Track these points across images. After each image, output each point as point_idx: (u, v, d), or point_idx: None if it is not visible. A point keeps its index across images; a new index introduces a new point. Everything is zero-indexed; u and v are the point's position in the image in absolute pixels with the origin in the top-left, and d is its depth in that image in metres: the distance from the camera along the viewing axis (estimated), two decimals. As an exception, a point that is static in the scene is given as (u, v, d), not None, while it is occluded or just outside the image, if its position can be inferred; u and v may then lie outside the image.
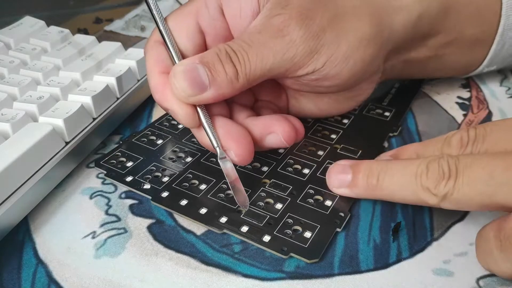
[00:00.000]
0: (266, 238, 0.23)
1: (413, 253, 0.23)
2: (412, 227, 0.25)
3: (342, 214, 0.25)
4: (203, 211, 0.25)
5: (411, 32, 0.29)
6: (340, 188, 0.25)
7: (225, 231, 0.24)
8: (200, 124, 0.25)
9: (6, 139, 0.25)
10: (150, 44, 0.26)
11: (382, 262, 0.23)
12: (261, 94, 0.30)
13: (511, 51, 0.33)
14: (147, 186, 0.26)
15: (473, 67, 0.35)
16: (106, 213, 0.26)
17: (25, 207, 0.24)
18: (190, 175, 0.27)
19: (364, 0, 0.26)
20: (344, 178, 0.25)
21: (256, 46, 0.24)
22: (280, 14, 0.24)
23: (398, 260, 0.23)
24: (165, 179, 0.27)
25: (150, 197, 0.26)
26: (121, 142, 0.30)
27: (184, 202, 0.25)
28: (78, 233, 0.24)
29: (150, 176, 0.27)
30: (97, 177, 0.28)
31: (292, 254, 0.23)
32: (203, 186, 0.26)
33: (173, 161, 0.28)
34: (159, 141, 0.30)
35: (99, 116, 0.30)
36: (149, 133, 0.31)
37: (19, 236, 0.24)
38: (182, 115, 0.24)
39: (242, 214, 0.24)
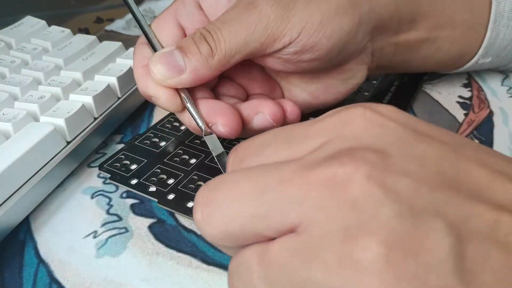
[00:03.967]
0: None
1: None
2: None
3: None
4: None
5: (394, 10, 0.29)
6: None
7: None
8: (184, 108, 0.26)
9: (8, 139, 0.25)
10: (137, 46, 0.28)
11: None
12: (254, 88, 0.30)
13: (506, 43, 0.33)
14: (152, 188, 0.26)
15: (468, 58, 0.34)
16: (107, 212, 0.26)
17: (26, 207, 0.24)
18: (196, 177, 0.27)
19: None
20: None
21: (229, 22, 0.24)
22: None
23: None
24: (171, 181, 0.27)
25: (156, 200, 0.26)
26: (123, 145, 0.30)
27: (190, 204, 0.25)
28: (79, 232, 0.24)
29: (155, 179, 0.27)
30: (98, 176, 0.28)
31: None
32: None
33: (178, 163, 0.28)
34: (162, 143, 0.30)
35: (100, 115, 0.30)
36: (152, 135, 0.31)
37: (21, 235, 0.24)
38: (164, 99, 0.25)
39: None
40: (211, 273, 0.22)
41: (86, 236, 0.24)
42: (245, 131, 0.26)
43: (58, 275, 0.22)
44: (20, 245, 0.24)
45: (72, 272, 0.22)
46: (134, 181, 0.27)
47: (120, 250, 0.23)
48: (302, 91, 0.30)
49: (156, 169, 0.28)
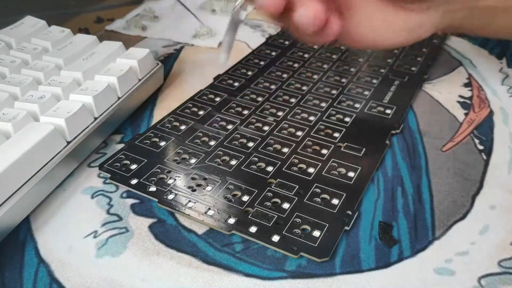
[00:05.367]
0: (275, 238, 0.23)
1: (414, 252, 0.23)
2: (413, 226, 0.25)
3: (349, 212, 0.25)
4: (211, 212, 0.25)
5: None
6: None
7: (233, 232, 0.24)
8: None
9: (8, 139, 0.25)
10: None
11: (383, 261, 0.23)
12: None
13: None
14: (152, 188, 0.26)
15: None
16: (108, 212, 0.26)
17: (27, 207, 0.24)
18: (196, 177, 0.27)
19: None
20: None
21: None
22: None
23: (400, 259, 0.23)
24: (170, 181, 0.27)
25: (156, 200, 0.26)
26: (124, 145, 0.30)
27: (191, 204, 0.25)
28: (79, 232, 0.24)
29: (155, 179, 0.27)
30: (99, 176, 0.28)
31: (302, 254, 0.22)
32: (209, 188, 0.26)
33: (177, 163, 0.28)
34: (162, 143, 0.30)
35: (100, 115, 0.30)
36: (152, 135, 0.31)
37: (21, 235, 0.24)
38: None
39: (250, 214, 0.24)
40: (212, 273, 0.22)
41: (86, 236, 0.24)
42: (283, 17, 0.26)
43: (59, 275, 0.22)
44: (20, 245, 0.24)
45: (73, 272, 0.22)
46: (134, 181, 0.27)
47: (121, 250, 0.23)
48: (364, 21, 0.29)
49: (156, 169, 0.28)
